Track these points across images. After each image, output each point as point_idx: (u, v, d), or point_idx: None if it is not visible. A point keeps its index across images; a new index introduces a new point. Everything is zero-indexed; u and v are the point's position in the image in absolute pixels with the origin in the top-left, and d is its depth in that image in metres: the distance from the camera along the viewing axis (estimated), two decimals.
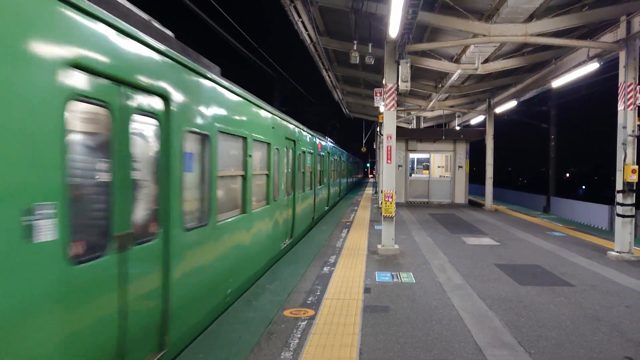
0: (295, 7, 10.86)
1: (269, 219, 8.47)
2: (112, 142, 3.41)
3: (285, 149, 10.03)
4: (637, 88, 9.06)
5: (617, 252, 9.27)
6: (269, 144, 8.49)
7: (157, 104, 4.07)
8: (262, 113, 8.04)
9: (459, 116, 25.42)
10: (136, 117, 3.71)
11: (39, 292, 2.60)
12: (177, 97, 4.38)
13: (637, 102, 9.08)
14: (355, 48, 12.31)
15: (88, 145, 3.35)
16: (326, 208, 18.02)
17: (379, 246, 9.71)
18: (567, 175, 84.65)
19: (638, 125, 9.12)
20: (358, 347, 4.67)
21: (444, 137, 21.06)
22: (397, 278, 7.50)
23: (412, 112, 24.00)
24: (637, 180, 9.07)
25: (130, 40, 3.58)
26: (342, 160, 25.37)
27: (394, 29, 8.50)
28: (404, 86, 9.47)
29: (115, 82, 3.39)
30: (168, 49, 4.24)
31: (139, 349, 3.76)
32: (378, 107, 14.50)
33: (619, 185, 9.25)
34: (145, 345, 3.89)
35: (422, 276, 7.64)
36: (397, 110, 13.74)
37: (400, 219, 15.09)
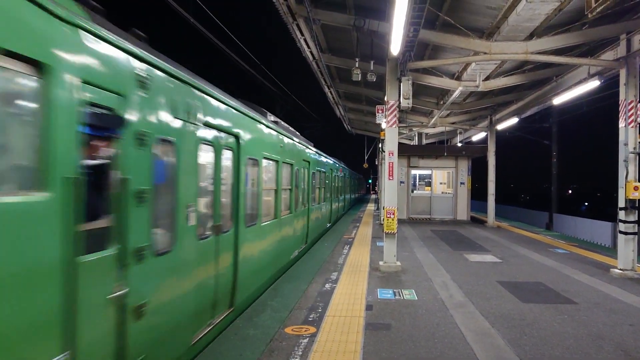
0: (297, 25, 11.00)
1: (325, 209, 17.16)
2: (309, 177, 13.13)
3: (330, 174, 18.48)
4: (638, 105, 9.10)
5: (620, 269, 9.22)
6: (326, 172, 17.05)
7: (307, 164, 12.67)
8: (325, 158, 16.94)
9: (460, 133, 25.51)
10: (304, 170, 12.39)
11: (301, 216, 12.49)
12: (312, 160, 13.43)
13: (638, 120, 9.10)
14: (357, 65, 12.43)
15: (301, 179, 12.17)
16: (343, 212, 25.92)
17: (381, 263, 9.67)
18: (569, 192, 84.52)
19: (639, 142, 9.13)
20: None
21: (445, 154, 21.09)
22: (399, 295, 7.46)
23: (413, 129, 24.10)
24: (639, 197, 9.05)
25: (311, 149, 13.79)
26: (351, 178, 33.66)
27: (395, 47, 8.59)
28: (406, 103, 9.53)
29: (304, 161, 12.20)
30: (315, 150, 15.06)
31: (305, 240, 12.46)
32: (380, 124, 14.57)
33: (621, 203, 9.24)
34: (305, 239, 12.48)
35: (424, 293, 7.60)
36: (399, 127, 13.82)
37: (402, 235, 15.06)
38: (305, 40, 11.96)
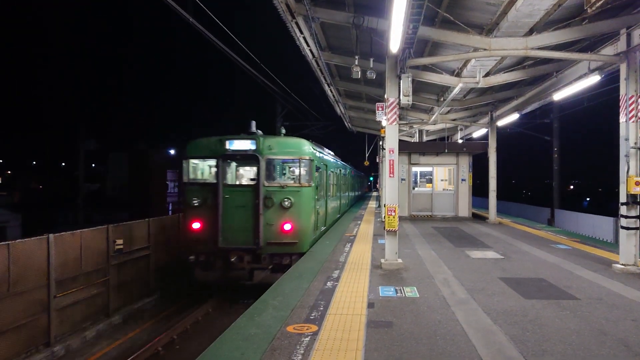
0: (297, 24, 10.97)
1: (346, 197, 24.88)
2: (340, 177, 21.61)
3: (348, 175, 25.67)
4: (639, 100, 9.07)
5: (622, 264, 9.20)
6: (345, 174, 23.18)
7: (339, 170, 20.71)
8: (343, 164, 23.65)
9: (461, 129, 25.47)
10: (339, 174, 21.11)
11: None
12: (341, 167, 21.64)
13: (639, 115, 9.07)
14: (356, 63, 12.40)
15: (348, 181, 25.93)
16: (353, 202, 33.81)
17: (383, 260, 9.66)
18: (571, 187, 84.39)
19: None
20: None
21: (446, 151, 21.04)
22: (401, 293, 7.46)
23: (414, 126, 24.08)
24: None
25: (336, 160, 21.02)
26: (357, 177, 41.89)
27: (394, 44, 8.57)
28: (406, 100, 9.51)
29: (338, 169, 20.91)
30: (347, 165, 28.02)
31: (339, 211, 21.13)
32: (380, 121, 14.54)
33: (622, 198, 9.21)
34: (339, 211, 21.22)
35: (426, 290, 7.60)
36: (399, 124, 13.88)
37: (403, 232, 15.05)
38: (304, 38, 11.94)
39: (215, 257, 11.68)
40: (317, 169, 13.07)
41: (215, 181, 11.79)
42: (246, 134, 12.31)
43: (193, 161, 12.40)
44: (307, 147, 12.47)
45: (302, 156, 12.14)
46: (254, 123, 12.52)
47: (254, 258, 11.60)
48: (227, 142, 11.92)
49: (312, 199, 12.49)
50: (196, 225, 11.87)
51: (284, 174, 12.69)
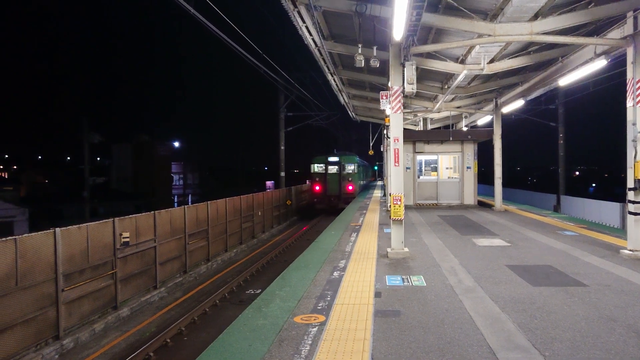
0: (299, 12, 10.86)
1: (363, 180, 44.91)
2: (365, 171, 48.41)
3: (363, 166, 43.76)
4: None
5: (630, 250, 9.15)
6: (362, 166, 42.13)
7: (362, 164, 42.83)
8: (360, 159, 40.89)
9: (466, 117, 25.28)
10: (360, 166, 40.79)
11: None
12: (362, 163, 42.96)
13: None
14: (360, 51, 12.31)
15: (363, 172, 45.14)
16: (366, 184, 47.11)
17: (389, 249, 9.65)
18: (577, 173, 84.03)
19: None
20: (370, 352, 4.64)
21: (451, 138, 20.93)
22: (408, 281, 7.45)
23: (418, 114, 23.90)
24: None
25: (361, 161, 43.11)
26: (366, 167, 53.19)
27: (398, 32, 8.48)
28: (410, 88, 9.42)
29: (360, 165, 38.11)
30: (364, 161, 50.08)
31: (362, 187, 41.62)
32: (384, 110, 14.44)
33: (629, 183, 9.12)
34: (362, 187, 42.33)
35: (432, 279, 7.59)
36: (404, 112, 13.73)
37: (409, 221, 15.02)
38: (307, 27, 11.83)
39: (324, 198, 32.76)
40: (358, 166, 33.53)
41: (324, 172, 33.13)
42: (334, 154, 33.92)
43: (314, 165, 33.27)
44: (356, 158, 34.66)
45: (354, 162, 33.48)
46: (335, 150, 38.58)
47: (338, 199, 32.20)
48: (328, 158, 33.42)
49: (357, 178, 33.74)
50: (317, 188, 33.14)
51: (347, 167, 32.94)
